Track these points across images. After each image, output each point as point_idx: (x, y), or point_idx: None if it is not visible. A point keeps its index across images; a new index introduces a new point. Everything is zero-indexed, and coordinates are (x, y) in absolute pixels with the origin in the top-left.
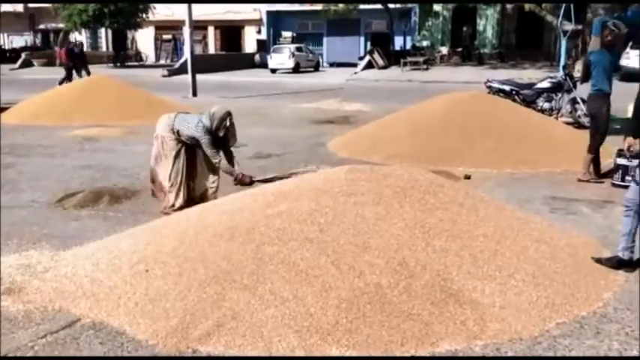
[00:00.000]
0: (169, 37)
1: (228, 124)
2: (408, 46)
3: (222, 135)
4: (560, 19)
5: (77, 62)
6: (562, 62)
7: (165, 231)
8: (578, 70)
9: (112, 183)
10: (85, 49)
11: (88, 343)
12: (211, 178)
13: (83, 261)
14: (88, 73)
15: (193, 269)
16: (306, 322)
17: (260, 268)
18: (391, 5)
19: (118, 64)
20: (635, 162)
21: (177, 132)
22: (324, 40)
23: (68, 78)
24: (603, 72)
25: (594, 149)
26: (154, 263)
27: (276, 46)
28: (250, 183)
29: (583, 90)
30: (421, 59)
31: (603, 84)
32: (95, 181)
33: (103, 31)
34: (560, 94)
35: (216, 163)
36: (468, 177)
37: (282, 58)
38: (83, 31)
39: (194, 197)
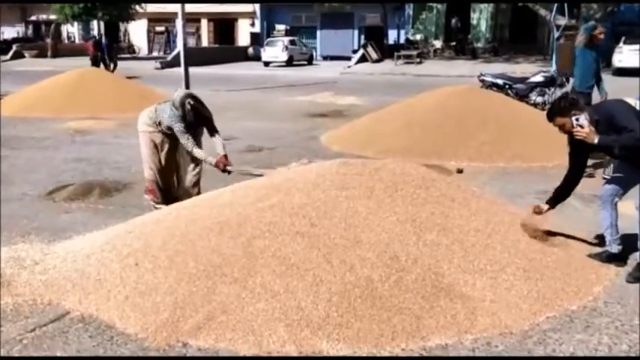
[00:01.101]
0: (162, 29)
1: (189, 107)
2: (402, 39)
3: (195, 115)
4: (553, 13)
5: (103, 53)
6: (555, 56)
7: (156, 224)
8: None
9: (104, 176)
10: (76, 40)
11: (77, 336)
12: (192, 167)
13: (73, 254)
14: (115, 65)
15: (183, 263)
16: (296, 315)
17: (250, 261)
18: None
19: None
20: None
21: (160, 123)
22: (318, 33)
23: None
24: (585, 69)
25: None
26: (144, 257)
27: (269, 39)
28: (223, 171)
29: None
30: (415, 53)
31: (583, 82)
32: (87, 174)
33: (95, 23)
34: (553, 89)
35: (189, 152)
36: (460, 171)
37: (275, 51)
38: (75, 23)
39: (179, 189)
